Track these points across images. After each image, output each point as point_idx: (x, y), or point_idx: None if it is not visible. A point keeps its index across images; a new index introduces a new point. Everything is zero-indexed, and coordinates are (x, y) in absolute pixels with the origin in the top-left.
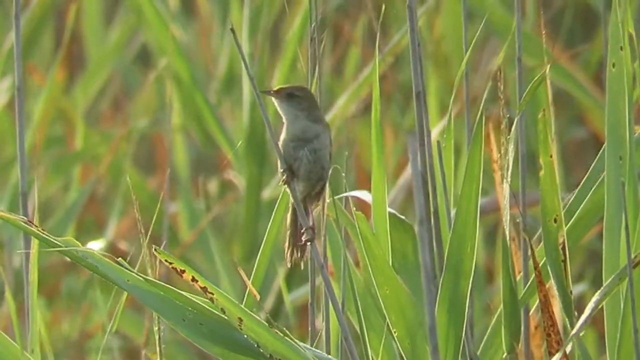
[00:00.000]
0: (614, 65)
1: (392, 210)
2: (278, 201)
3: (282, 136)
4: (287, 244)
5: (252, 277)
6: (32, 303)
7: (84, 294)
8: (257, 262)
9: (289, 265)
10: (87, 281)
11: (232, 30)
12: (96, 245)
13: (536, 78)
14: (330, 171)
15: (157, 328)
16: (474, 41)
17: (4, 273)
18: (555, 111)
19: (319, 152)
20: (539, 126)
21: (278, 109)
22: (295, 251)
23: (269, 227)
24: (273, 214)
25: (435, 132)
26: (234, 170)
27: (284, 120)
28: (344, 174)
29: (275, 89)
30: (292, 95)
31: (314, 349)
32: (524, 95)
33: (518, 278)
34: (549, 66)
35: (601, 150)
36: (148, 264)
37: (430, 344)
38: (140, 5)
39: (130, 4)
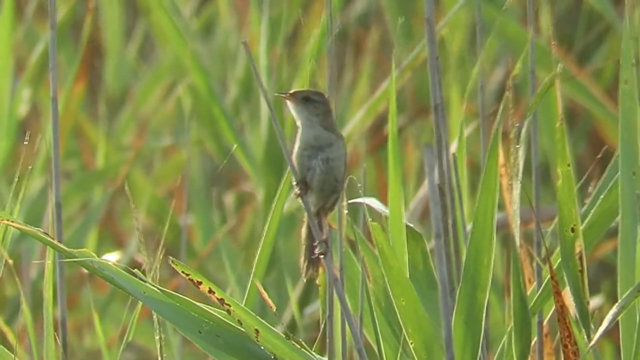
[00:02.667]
0: (626, 82)
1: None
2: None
3: (296, 145)
4: (302, 258)
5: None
6: (47, 316)
7: (105, 307)
8: (255, 262)
9: (304, 279)
10: (110, 294)
11: (245, 43)
12: (113, 257)
13: (545, 81)
14: (345, 184)
15: (158, 337)
16: (484, 51)
17: (21, 286)
18: (568, 126)
19: (331, 162)
20: (557, 136)
21: (292, 112)
22: (310, 265)
23: (264, 233)
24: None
25: (454, 146)
26: (252, 183)
27: (298, 125)
28: (359, 185)
29: (291, 91)
30: (309, 99)
31: None
32: (534, 97)
33: (531, 289)
34: (559, 69)
35: (612, 161)
36: (154, 273)
37: (447, 357)
38: (159, 20)
39: (149, 19)
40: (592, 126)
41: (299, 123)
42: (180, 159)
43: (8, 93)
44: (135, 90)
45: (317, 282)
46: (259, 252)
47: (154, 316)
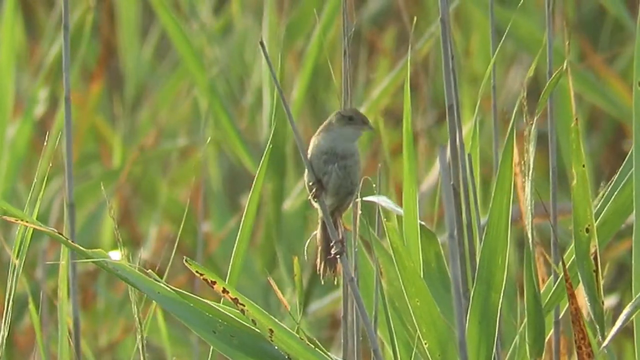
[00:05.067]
0: (639, 84)
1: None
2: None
3: (313, 146)
4: (318, 259)
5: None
6: (61, 316)
7: (120, 306)
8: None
9: (322, 281)
10: (125, 293)
11: (262, 43)
12: (116, 255)
13: (554, 74)
14: (360, 184)
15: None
16: (495, 54)
17: (27, 284)
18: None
19: (349, 168)
20: (572, 136)
21: (339, 131)
22: (327, 266)
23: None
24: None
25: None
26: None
27: (327, 134)
28: (374, 185)
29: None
30: (352, 118)
31: None
32: (543, 91)
33: (544, 288)
34: (567, 62)
35: (627, 157)
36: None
37: (461, 357)
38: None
39: (158, 20)
40: (619, 126)
41: (333, 137)
42: (197, 159)
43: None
44: (152, 90)
45: (335, 282)
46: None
47: (135, 315)
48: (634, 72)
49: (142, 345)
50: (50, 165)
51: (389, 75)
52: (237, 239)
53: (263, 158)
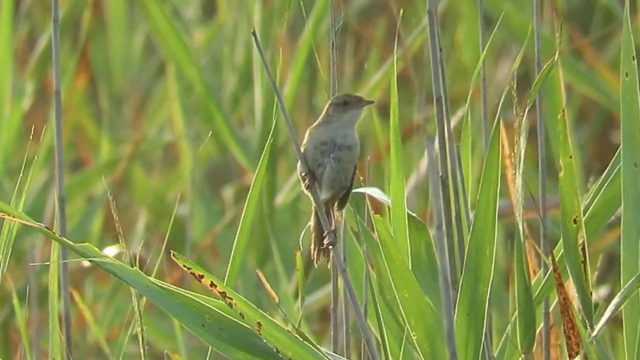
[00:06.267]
0: (627, 75)
1: (407, 211)
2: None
3: (311, 137)
4: (312, 246)
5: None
6: (52, 311)
7: (109, 300)
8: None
9: (316, 265)
10: (114, 287)
11: (254, 34)
12: (111, 251)
13: (546, 65)
14: (353, 178)
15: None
16: (488, 44)
17: (11, 281)
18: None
19: (343, 163)
20: (559, 127)
21: (339, 118)
22: (321, 253)
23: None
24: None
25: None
26: (249, 177)
27: (329, 125)
28: (361, 178)
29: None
30: (346, 102)
31: (334, 354)
32: (534, 84)
33: (535, 279)
34: (557, 54)
35: (617, 152)
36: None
37: (449, 349)
38: (154, 14)
39: (145, 13)
40: (609, 118)
41: (337, 123)
42: (182, 154)
43: (9, 87)
44: (139, 84)
45: (328, 266)
46: (237, 235)
47: (136, 308)
48: (621, 62)
49: (142, 337)
50: (36, 158)
51: (382, 69)
52: (237, 235)
53: (264, 152)
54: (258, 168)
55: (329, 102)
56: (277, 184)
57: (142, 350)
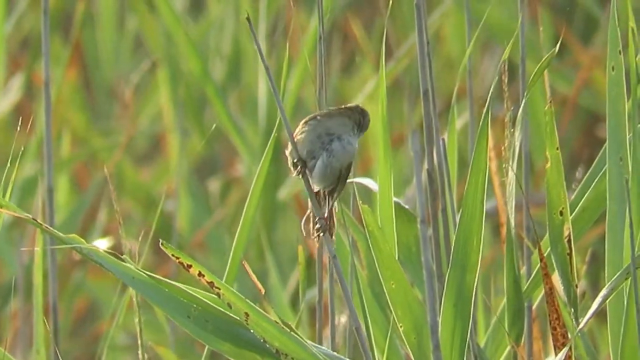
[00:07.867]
0: (613, 69)
1: (397, 200)
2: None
3: (318, 122)
4: (304, 219)
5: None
6: (37, 303)
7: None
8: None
9: (312, 238)
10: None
11: (248, 19)
12: (102, 244)
13: (543, 61)
14: (348, 174)
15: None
16: (473, 40)
17: None
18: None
19: (335, 162)
20: (546, 118)
21: (358, 136)
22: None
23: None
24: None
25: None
26: (243, 167)
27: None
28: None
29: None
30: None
31: (320, 345)
32: (530, 79)
33: (522, 271)
34: (556, 49)
35: (602, 149)
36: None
37: (432, 342)
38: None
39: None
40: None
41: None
42: (169, 147)
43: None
44: (127, 78)
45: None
46: (239, 230)
47: (134, 298)
48: (607, 58)
49: (140, 329)
50: (23, 149)
51: (374, 79)
52: (238, 231)
53: (269, 144)
54: (261, 164)
55: (358, 106)
56: (275, 178)
57: (140, 345)
